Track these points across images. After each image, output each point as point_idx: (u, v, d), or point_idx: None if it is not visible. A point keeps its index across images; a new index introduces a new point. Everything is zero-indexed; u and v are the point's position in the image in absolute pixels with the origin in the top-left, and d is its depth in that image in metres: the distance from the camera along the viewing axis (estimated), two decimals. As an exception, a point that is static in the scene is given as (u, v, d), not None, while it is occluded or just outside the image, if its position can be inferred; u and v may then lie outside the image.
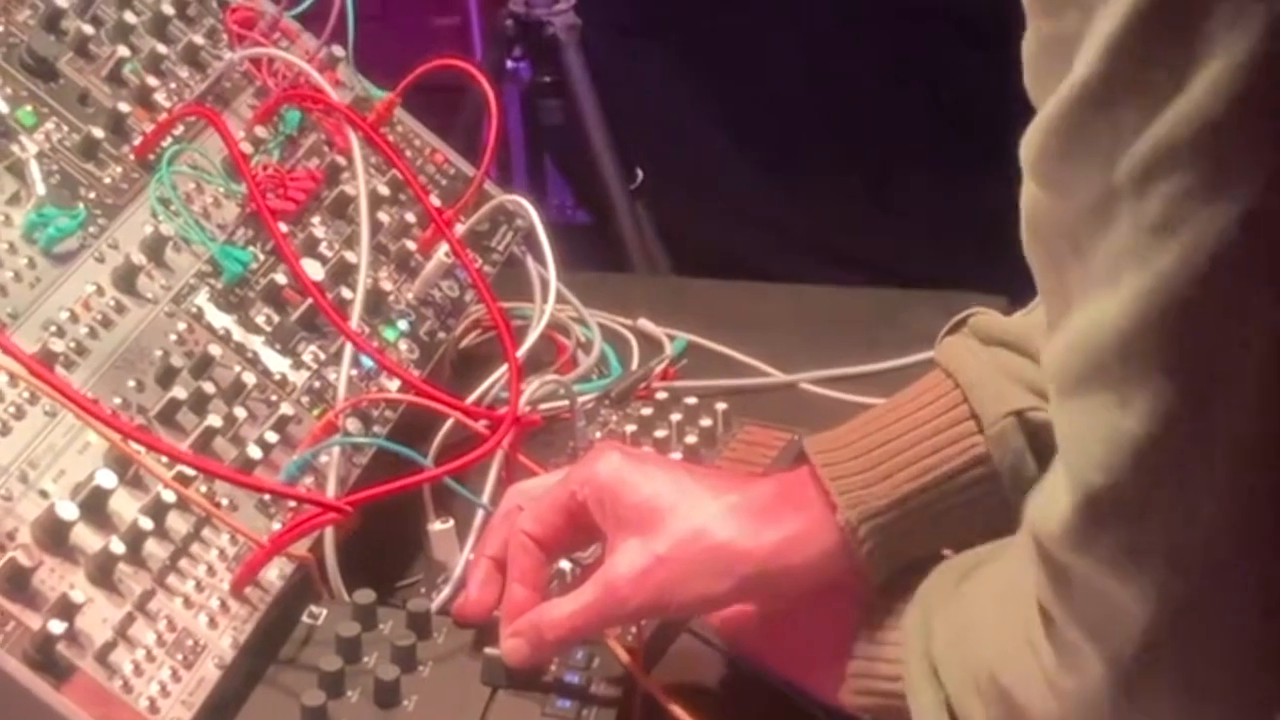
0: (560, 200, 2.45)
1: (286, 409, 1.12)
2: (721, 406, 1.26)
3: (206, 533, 1.03)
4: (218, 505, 1.04)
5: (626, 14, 2.51)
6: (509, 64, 2.24)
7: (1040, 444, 0.95)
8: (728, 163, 2.64)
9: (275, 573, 1.04)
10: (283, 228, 1.19)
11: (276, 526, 1.06)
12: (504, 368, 1.21)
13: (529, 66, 2.25)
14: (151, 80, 1.23)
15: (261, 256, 1.19)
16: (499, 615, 1.02)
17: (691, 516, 0.98)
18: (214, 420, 1.07)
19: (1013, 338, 0.99)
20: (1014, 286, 1.22)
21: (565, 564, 1.09)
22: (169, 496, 1.01)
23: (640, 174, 2.28)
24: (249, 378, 1.12)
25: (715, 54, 2.68)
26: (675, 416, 1.25)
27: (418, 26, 2.45)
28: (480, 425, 1.14)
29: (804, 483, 0.98)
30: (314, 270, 1.19)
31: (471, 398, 1.22)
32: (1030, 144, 0.76)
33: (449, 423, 1.14)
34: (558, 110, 2.22)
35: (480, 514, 1.13)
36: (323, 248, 1.22)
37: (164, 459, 1.02)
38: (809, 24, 2.64)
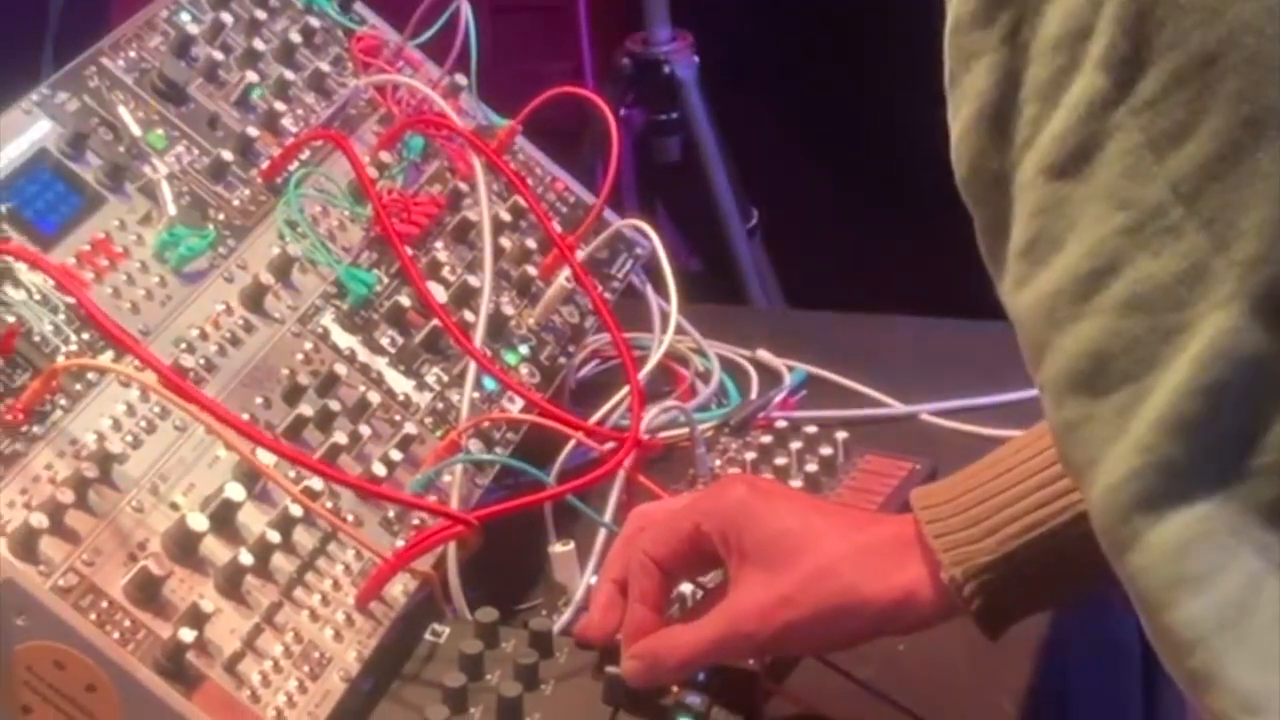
0: (673, 245, 2.45)
1: (410, 428, 1.13)
2: (842, 435, 1.25)
3: (332, 548, 1.04)
4: (343, 520, 1.04)
5: (735, 55, 2.52)
6: (621, 111, 2.25)
7: None
8: (838, 201, 2.63)
9: (399, 589, 1.04)
10: (407, 251, 1.19)
11: (400, 544, 1.06)
12: (625, 390, 1.21)
13: (641, 112, 2.25)
14: (279, 105, 1.24)
15: (386, 279, 1.20)
16: (621, 637, 1.02)
17: (818, 557, 0.97)
18: (339, 438, 1.08)
19: None
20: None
21: (687, 587, 1.09)
22: (296, 511, 1.02)
23: (755, 213, 2.28)
24: (374, 397, 1.12)
25: (821, 90, 2.68)
26: (795, 445, 1.24)
27: (531, 72, 2.46)
28: (603, 446, 1.14)
29: (915, 532, 0.97)
30: (438, 293, 1.20)
31: (593, 420, 1.22)
32: None
33: (571, 444, 1.14)
34: (675, 148, 2.22)
35: (602, 535, 1.13)
36: (445, 272, 1.23)
37: (291, 474, 1.02)
38: (917, 59, 2.64)
